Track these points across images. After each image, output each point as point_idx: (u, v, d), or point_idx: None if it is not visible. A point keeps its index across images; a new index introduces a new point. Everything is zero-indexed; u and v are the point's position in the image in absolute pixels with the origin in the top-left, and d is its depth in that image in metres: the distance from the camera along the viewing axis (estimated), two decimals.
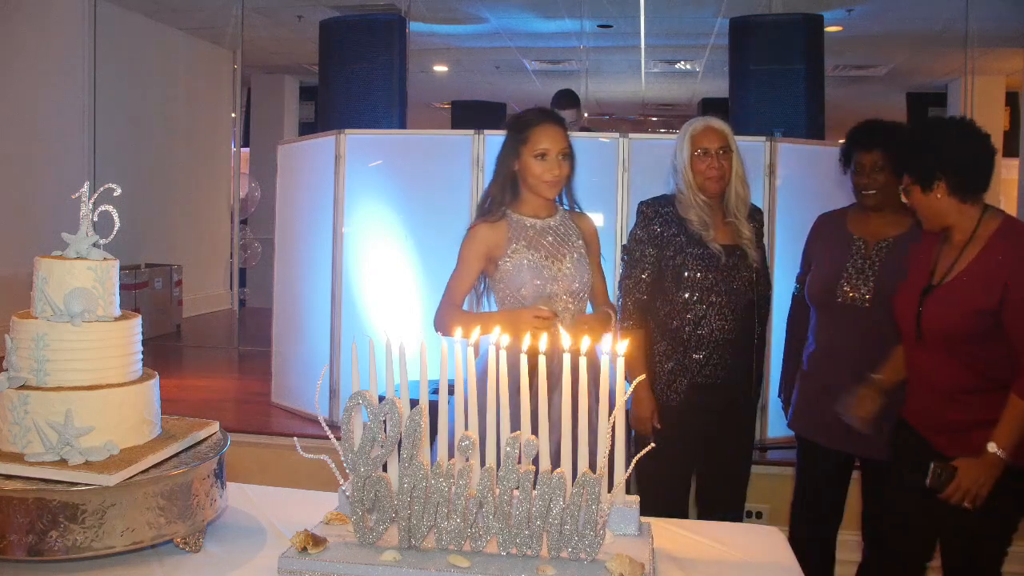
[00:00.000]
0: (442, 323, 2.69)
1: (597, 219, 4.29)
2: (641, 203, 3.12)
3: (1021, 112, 9.50)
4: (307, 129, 10.79)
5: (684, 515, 3.02)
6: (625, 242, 3.16)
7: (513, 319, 2.55)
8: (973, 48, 7.83)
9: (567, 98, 5.35)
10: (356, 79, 5.66)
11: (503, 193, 2.75)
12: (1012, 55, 8.98)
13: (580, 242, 2.79)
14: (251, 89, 10.97)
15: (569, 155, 2.74)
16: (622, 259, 3.13)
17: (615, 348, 1.71)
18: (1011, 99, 10.06)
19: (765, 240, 3.21)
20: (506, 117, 2.80)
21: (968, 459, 2.37)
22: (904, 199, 2.59)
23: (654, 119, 14.60)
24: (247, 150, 10.88)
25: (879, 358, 2.80)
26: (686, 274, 2.94)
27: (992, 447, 2.33)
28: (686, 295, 2.94)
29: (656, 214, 3.01)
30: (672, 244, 2.97)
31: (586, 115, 5.59)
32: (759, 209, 3.17)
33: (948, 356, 2.50)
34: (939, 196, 2.49)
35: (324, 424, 1.82)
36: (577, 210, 2.87)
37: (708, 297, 2.93)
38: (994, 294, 2.40)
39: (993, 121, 9.50)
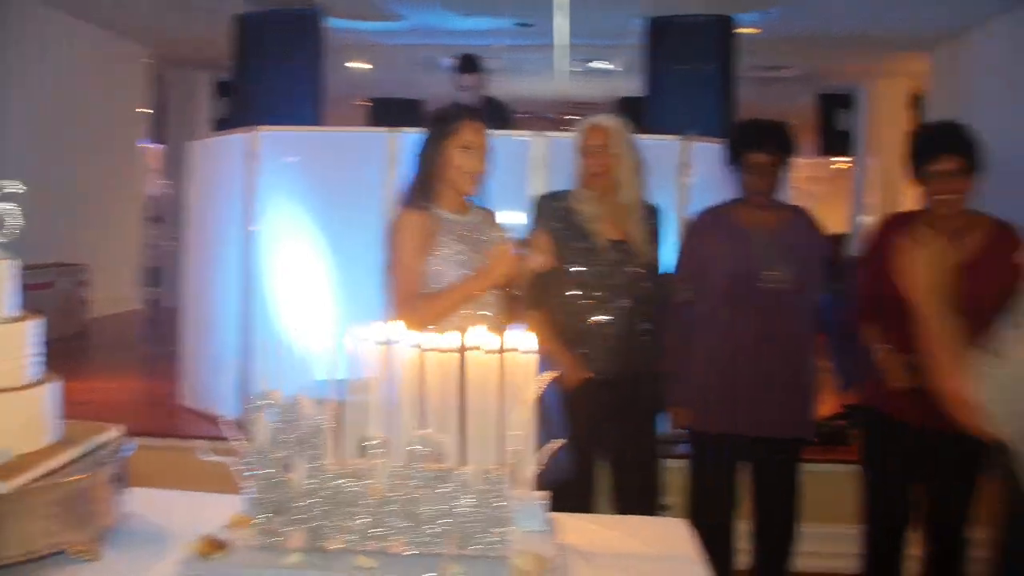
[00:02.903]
0: (419, 317, 2.39)
1: (513, 217, 4.33)
2: (537, 196, 3.23)
3: (925, 114, 9.82)
4: (224, 126, 10.59)
5: (589, 510, 3.07)
6: None
7: (487, 272, 2.61)
8: (878, 52, 8.08)
9: (470, 62, 5.38)
10: (271, 75, 5.59)
11: (425, 187, 2.73)
12: (916, 59, 9.28)
13: (496, 235, 2.83)
14: (164, 84, 10.72)
15: (489, 153, 2.76)
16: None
17: (525, 344, 1.72)
18: (915, 101, 10.39)
19: (671, 238, 3.30)
20: (428, 112, 2.82)
21: None
22: (955, 179, 2.80)
23: (573, 117, 14.69)
24: (161, 146, 10.65)
25: (798, 332, 3.07)
26: (569, 268, 3.02)
27: None
28: (569, 289, 3.01)
29: (548, 207, 3.13)
30: (559, 237, 3.03)
31: (487, 78, 5.50)
32: (654, 207, 3.25)
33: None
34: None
35: (227, 425, 1.79)
36: (486, 207, 2.91)
37: (591, 292, 3.02)
38: (1007, 277, 2.75)
39: (897, 123, 9.80)
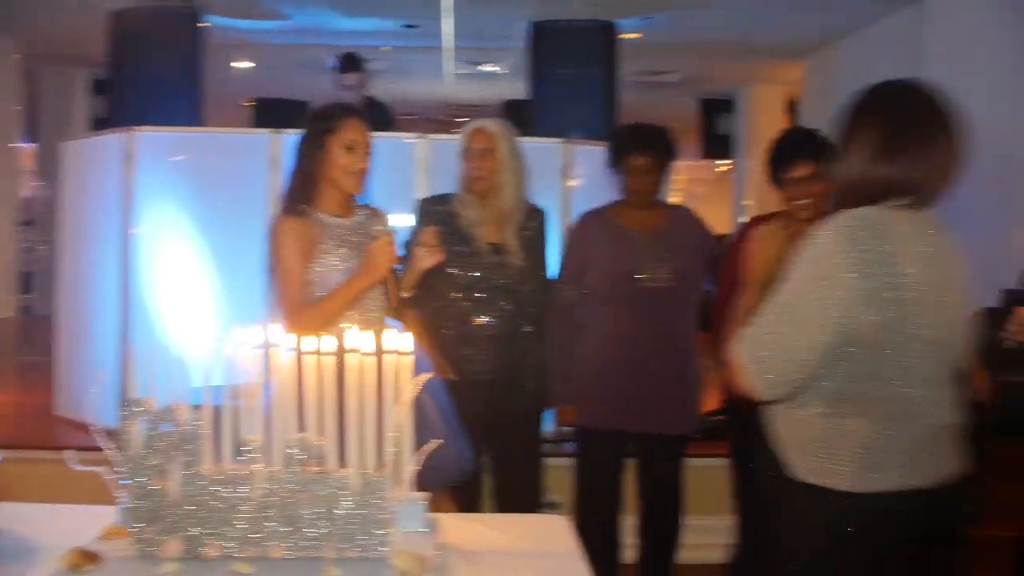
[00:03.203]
0: (307, 325, 2.22)
1: (397, 219, 4.33)
2: (421, 199, 3.26)
3: (803, 120, 10.21)
4: (102, 125, 10.22)
5: (476, 509, 3.11)
6: None
7: (370, 266, 2.53)
8: (756, 59, 8.38)
9: (352, 61, 5.37)
10: (149, 74, 5.44)
11: (307, 187, 2.65)
12: (792, 67, 9.66)
13: (378, 230, 2.76)
14: (36, 81, 10.28)
15: (371, 151, 2.70)
16: (402, 255, 3.21)
17: (402, 345, 1.74)
18: (792, 107, 10.79)
19: (554, 240, 3.37)
20: (307, 111, 2.70)
21: None
22: (811, 184, 2.82)
23: (461, 119, 14.70)
24: (32, 146, 10.23)
25: (681, 329, 3.19)
26: (451, 271, 3.06)
27: None
28: (451, 291, 3.06)
29: (431, 210, 3.16)
30: (442, 241, 3.05)
31: (368, 77, 5.46)
32: (539, 210, 3.31)
33: None
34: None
35: (100, 434, 1.75)
36: (373, 206, 2.86)
37: (472, 294, 3.07)
38: None
39: (774, 127, 10.16)
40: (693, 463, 3.47)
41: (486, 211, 3.15)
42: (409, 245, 3.16)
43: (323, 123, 2.66)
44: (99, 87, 10.41)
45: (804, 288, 1.73)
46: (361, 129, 2.66)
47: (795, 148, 2.92)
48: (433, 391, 2.72)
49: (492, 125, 3.18)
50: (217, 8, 7.35)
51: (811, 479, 1.80)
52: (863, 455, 1.76)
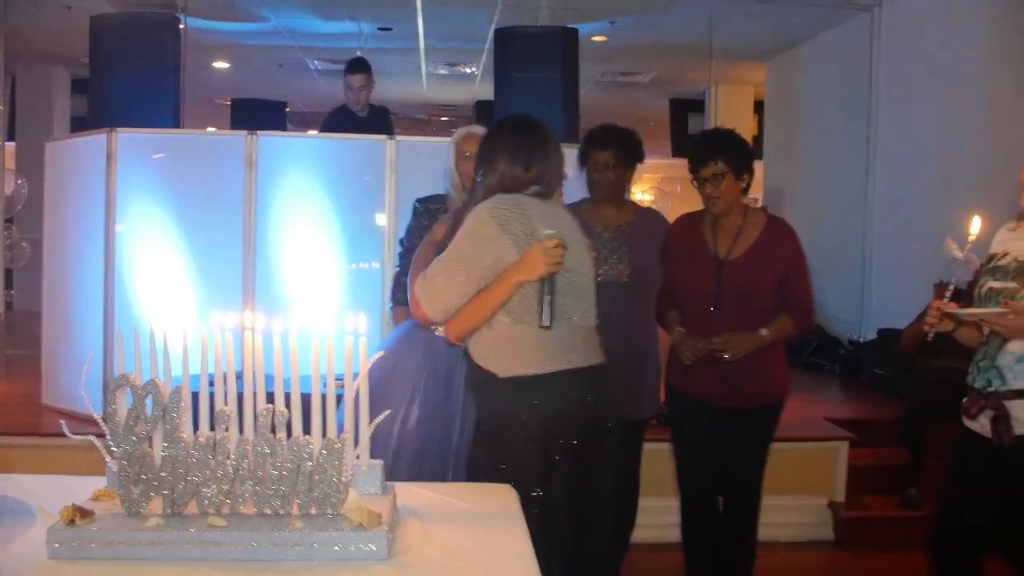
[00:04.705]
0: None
1: (380, 219, 4.52)
2: (416, 200, 3.46)
3: (766, 119, 10.46)
4: (80, 123, 10.34)
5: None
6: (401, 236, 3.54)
7: (529, 264, 2.44)
8: (719, 61, 8.64)
9: (357, 63, 5.62)
10: (129, 77, 5.55)
11: None
12: (757, 68, 9.90)
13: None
14: (16, 79, 10.38)
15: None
16: (397, 252, 3.45)
17: (358, 326, 1.96)
18: (759, 107, 11.05)
19: None
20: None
21: (742, 332, 3.11)
22: (708, 185, 3.12)
23: (443, 119, 14.91)
24: (12, 143, 10.31)
25: (640, 320, 3.40)
26: None
27: (763, 331, 3.12)
28: None
29: (425, 209, 3.38)
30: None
31: (373, 79, 5.71)
32: None
33: (740, 315, 3.12)
34: (743, 186, 3.14)
35: (92, 411, 1.95)
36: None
37: None
38: (781, 265, 3.13)
39: (742, 127, 10.36)
40: (650, 447, 3.67)
41: None
42: (401, 241, 3.43)
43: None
44: (79, 87, 10.54)
45: (465, 243, 2.45)
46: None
47: (705, 148, 3.23)
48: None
49: (480, 129, 3.31)
50: (196, 11, 7.53)
51: (509, 373, 2.48)
52: (540, 347, 2.48)
